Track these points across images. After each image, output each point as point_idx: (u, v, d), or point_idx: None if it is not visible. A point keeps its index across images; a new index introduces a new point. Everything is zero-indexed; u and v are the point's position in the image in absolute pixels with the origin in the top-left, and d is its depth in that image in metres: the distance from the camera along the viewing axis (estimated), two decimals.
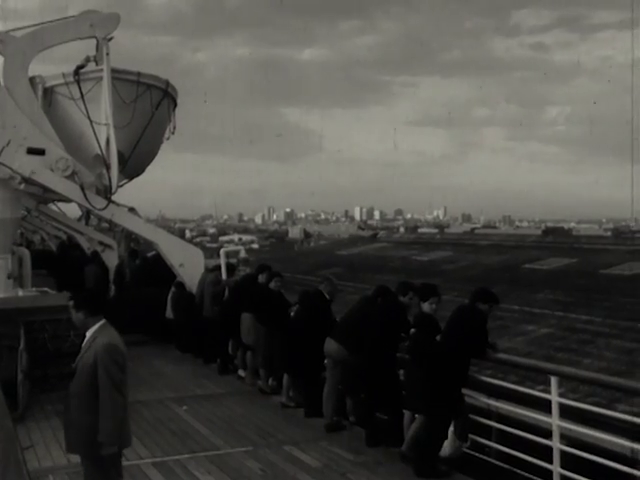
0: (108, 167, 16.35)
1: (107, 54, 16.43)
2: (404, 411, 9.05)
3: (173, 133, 18.91)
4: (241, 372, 13.38)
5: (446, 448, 8.52)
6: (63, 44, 16.74)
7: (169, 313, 16.22)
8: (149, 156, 19.04)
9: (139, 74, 17.32)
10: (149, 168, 19.52)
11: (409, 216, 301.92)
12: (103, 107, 16.36)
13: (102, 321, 5.99)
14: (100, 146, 16.20)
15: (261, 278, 12.91)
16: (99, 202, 16.22)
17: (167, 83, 18.05)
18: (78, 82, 16.32)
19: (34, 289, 17.05)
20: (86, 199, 16.04)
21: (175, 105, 18.86)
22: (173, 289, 16.32)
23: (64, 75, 16.74)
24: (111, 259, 21.16)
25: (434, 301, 8.92)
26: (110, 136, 16.31)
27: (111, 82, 16.39)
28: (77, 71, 16.42)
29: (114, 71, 16.58)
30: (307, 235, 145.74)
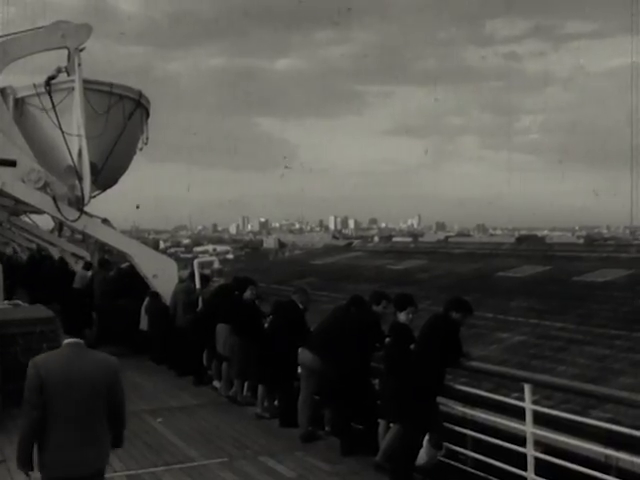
0: (80, 178, 16.27)
1: (79, 65, 16.38)
2: (379, 420, 9.07)
3: (146, 144, 18.84)
4: (216, 383, 13.33)
5: (421, 457, 8.52)
6: (34, 54, 16.66)
7: (143, 324, 16.14)
8: (122, 167, 18.97)
9: (111, 85, 17.28)
10: (122, 179, 19.45)
11: (383, 225, 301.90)
12: (75, 118, 16.29)
13: (66, 340, 5.67)
14: (72, 157, 16.13)
15: (248, 294, 12.73)
16: (72, 213, 16.13)
17: (140, 93, 18.02)
18: (49, 93, 16.24)
19: (6, 302, 16.92)
20: (58, 210, 15.95)
21: (148, 115, 18.81)
22: (147, 299, 16.23)
23: (35, 86, 16.64)
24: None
25: (411, 311, 8.93)
26: (82, 147, 16.24)
27: (83, 93, 16.33)
28: (48, 82, 16.34)
29: (86, 82, 16.51)
30: (282, 245, 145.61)
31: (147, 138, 18.82)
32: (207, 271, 16.62)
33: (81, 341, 5.60)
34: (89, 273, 19.95)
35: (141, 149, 18.97)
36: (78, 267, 21.68)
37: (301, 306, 11.08)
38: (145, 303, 16.20)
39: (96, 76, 17.24)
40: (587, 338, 14.44)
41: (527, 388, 7.86)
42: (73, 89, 16.34)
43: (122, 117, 17.41)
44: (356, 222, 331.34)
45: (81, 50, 16.58)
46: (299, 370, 10.48)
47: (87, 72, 16.68)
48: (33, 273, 23.48)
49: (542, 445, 8.27)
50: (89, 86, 16.64)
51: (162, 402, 12.57)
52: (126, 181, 19.67)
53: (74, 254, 23.20)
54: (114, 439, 5.79)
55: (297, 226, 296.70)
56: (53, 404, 5.39)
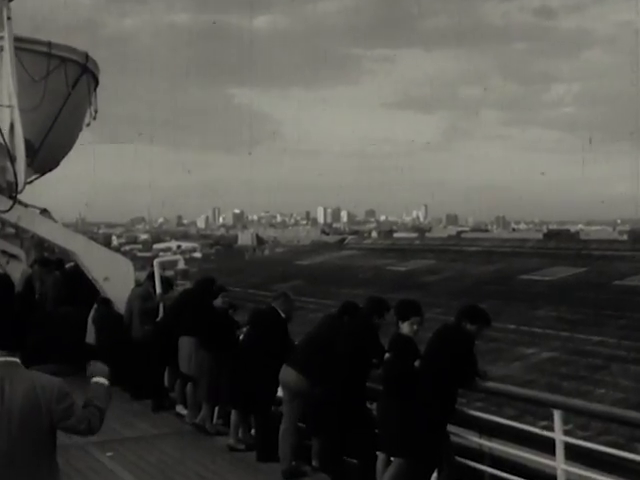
0: (13, 159, 16.14)
1: (8, 18, 16.17)
2: (377, 453, 9.03)
3: (94, 118, 18.76)
4: (180, 408, 13.29)
5: None
6: None
7: (90, 337, 16.03)
8: (65, 146, 18.89)
9: (50, 44, 17.12)
10: (65, 160, 19.36)
11: (383, 218, 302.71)
12: (5, 85, 16.15)
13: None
14: (2, 134, 15.99)
15: (219, 301, 12.73)
16: (2, 202, 16.02)
17: (86, 56, 17.90)
18: None
19: None
20: None
21: (97, 83, 18.70)
22: (95, 307, 16.11)
23: None
24: (18, 272, 20.87)
25: (416, 321, 8.90)
26: (15, 121, 16.08)
27: (15, 54, 16.18)
28: None
29: (18, 40, 16.34)
30: (260, 241, 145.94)
31: (95, 111, 18.74)
32: (170, 273, 16.56)
33: (15, 359, 5.49)
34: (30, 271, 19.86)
35: (88, 124, 18.89)
36: (10, 268, 21.52)
37: (283, 315, 11.05)
38: (93, 312, 16.10)
39: (32, 33, 17.11)
40: (631, 355, 14.43)
41: (557, 415, 7.84)
42: (1, 49, 16.20)
43: (64, 85, 17.30)
44: (350, 214, 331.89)
45: (10, 0, 16.41)
46: (280, 392, 10.45)
47: (20, 28, 16.54)
48: None
49: None
50: (22, 45, 16.48)
51: (113, 432, 12.42)
52: (70, 163, 19.59)
53: (5, 252, 23.03)
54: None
55: (279, 219, 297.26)
56: None
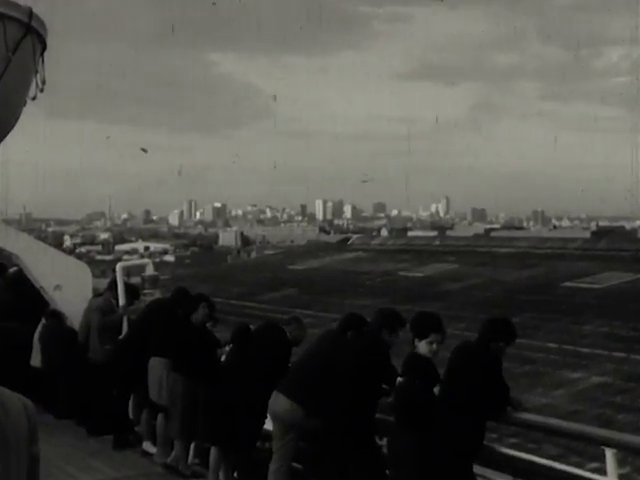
0: None
1: None
2: None
3: (41, 90, 18.70)
4: (147, 445, 13.28)
5: None
6: None
7: (36, 359, 15.99)
8: (5, 124, 18.84)
9: None
10: (6, 141, 19.33)
11: (395, 213, 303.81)
12: None
13: None
14: None
15: (198, 317, 12.71)
16: None
17: (30, 13, 17.81)
18: None
19: None
20: None
21: (44, 47, 18.65)
22: (44, 322, 16.09)
23: None
24: None
25: (435, 339, 8.87)
26: None
27: None
28: None
29: None
30: (246, 241, 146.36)
31: (43, 82, 18.65)
32: (136, 280, 16.56)
33: None
34: None
35: (34, 98, 18.78)
36: None
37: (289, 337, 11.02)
38: (40, 327, 16.07)
39: None
40: None
41: (610, 455, 7.81)
42: None
43: (3, 48, 17.23)
44: (355, 208, 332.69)
45: None
46: (270, 424, 10.43)
47: None
48: None
49: None
50: None
51: (65, 476, 12.46)
52: (11, 145, 19.54)
53: None
54: None
55: (268, 214, 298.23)
56: None
